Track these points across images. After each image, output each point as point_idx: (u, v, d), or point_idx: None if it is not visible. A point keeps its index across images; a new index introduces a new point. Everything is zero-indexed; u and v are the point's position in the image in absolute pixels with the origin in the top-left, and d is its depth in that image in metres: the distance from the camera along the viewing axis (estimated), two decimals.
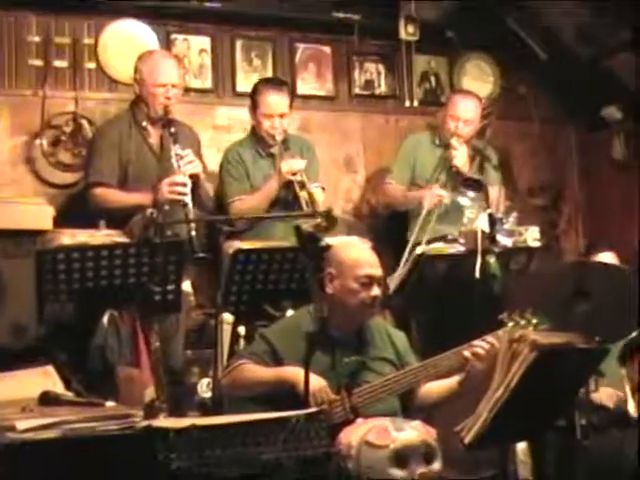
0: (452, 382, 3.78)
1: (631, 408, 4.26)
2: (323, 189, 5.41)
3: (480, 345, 3.66)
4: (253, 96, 5.30)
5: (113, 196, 4.86)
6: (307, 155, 5.34)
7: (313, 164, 5.37)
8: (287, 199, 5.10)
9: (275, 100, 5.21)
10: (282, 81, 5.49)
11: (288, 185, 5.06)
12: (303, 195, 4.98)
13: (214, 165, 5.44)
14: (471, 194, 5.22)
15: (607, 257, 5.09)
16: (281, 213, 5.03)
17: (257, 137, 5.31)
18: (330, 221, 4.29)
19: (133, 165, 4.92)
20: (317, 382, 3.57)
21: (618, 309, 4.04)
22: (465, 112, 5.65)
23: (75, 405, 3.19)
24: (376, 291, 3.78)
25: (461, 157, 5.47)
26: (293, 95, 5.41)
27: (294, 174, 5.03)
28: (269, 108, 5.20)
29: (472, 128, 5.66)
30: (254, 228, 5.10)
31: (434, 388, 3.84)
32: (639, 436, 3.97)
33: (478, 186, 5.13)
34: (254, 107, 5.27)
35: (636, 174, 6.47)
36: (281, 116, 5.21)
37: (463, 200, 5.27)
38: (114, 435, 2.79)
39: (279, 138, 5.19)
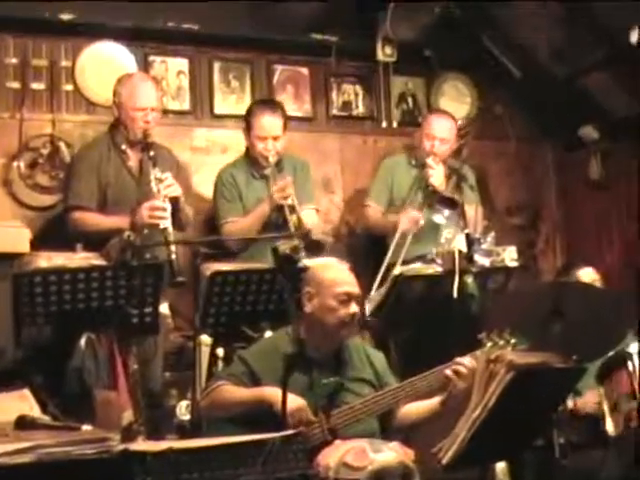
0: (433, 402, 3.79)
1: (609, 427, 4.27)
2: (317, 210, 5.41)
3: (462, 363, 3.66)
4: (247, 118, 5.30)
5: (92, 219, 4.85)
6: (301, 175, 5.35)
7: (307, 184, 5.38)
8: (278, 222, 5.10)
9: (269, 122, 5.21)
10: (276, 103, 5.48)
11: (280, 208, 5.05)
12: (292, 219, 4.97)
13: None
14: (447, 212, 5.23)
15: (587, 273, 5.11)
16: (263, 235, 5.01)
17: (251, 158, 5.31)
18: (317, 247, 4.32)
19: (112, 188, 4.91)
20: (296, 402, 3.56)
21: (595, 328, 4.06)
22: (441, 131, 5.67)
23: (51, 429, 3.16)
24: (354, 308, 3.79)
25: (437, 176, 5.48)
26: (287, 117, 5.40)
27: (285, 198, 5.03)
28: (262, 130, 5.20)
29: (448, 147, 5.68)
30: (248, 250, 5.10)
31: (414, 409, 3.84)
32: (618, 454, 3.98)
33: (453, 204, 5.15)
34: (248, 129, 5.27)
35: (612, 194, 6.52)
36: (275, 138, 5.20)
37: (438, 218, 5.29)
38: (90, 459, 2.77)
39: (272, 160, 5.19)
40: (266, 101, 5.59)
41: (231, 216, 5.22)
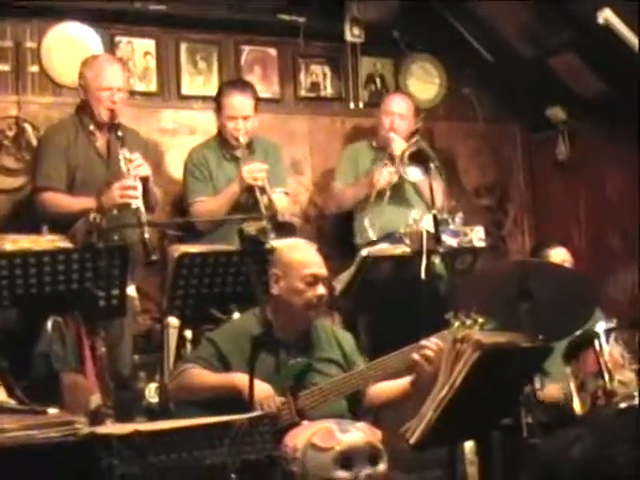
0: (404, 383, 3.79)
1: (576, 406, 4.30)
2: (287, 194, 5.38)
3: (429, 347, 3.67)
4: (217, 98, 5.29)
5: (61, 201, 4.81)
6: (273, 158, 5.33)
7: (278, 167, 5.35)
8: (248, 203, 5.07)
9: (239, 102, 5.19)
10: (246, 83, 5.45)
11: (250, 189, 5.03)
12: (263, 200, 4.96)
13: None
14: (416, 172, 5.24)
15: (559, 253, 5.13)
16: (232, 216, 4.99)
17: (222, 139, 5.28)
18: (288, 229, 4.31)
19: (81, 170, 4.87)
20: (264, 390, 3.56)
21: (562, 307, 4.08)
22: (399, 107, 5.72)
23: (17, 413, 3.16)
24: (321, 290, 3.80)
25: (399, 146, 5.47)
26: (258, 98, 5.37)
27: (255, 179, 5.01)
28: (233, 110, 5.18)
29: (407, 124, 5.70)
30: (217, 231, 5.06)
31: (384, 389, 3.85)
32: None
33: (424, 160, 5.15)
34: (218, 109, 5.26)
35: (580, 174, 6.55)
36: (245, 118, 5.18)
37: (414, 174, 5.29)
38: (56, 442, 2.76)
39: (243, 140, 5.16)
40: (236, 81, 5.57)
41: (200, 196, 5.19)
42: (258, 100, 5.34)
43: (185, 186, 5.29)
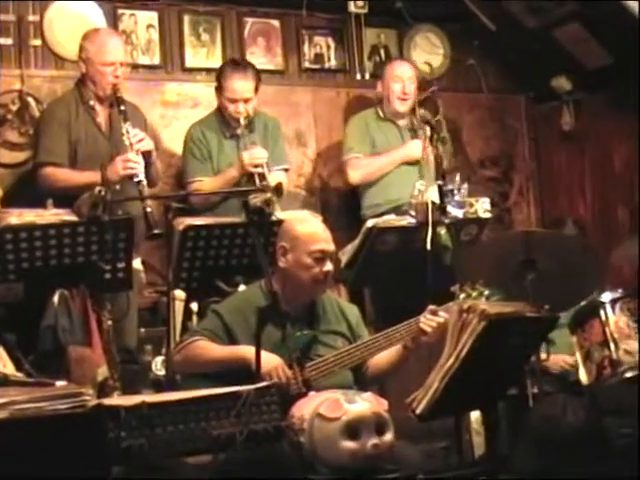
0: (398, 348, 3.80)
1: (582, 376, 4.31)
2: (287, 170, 5.34)
3: (436, 315, 3.68)
4: (219, 78, 5.24)
5: (63, 175, 4.80)
6: (272, 134, 5.30)
7: (278, 144, 5.32)
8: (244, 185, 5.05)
9: (240, 86, 5.14)
10: (248, 65, 5.34)
11: (249, 175, 5.00)
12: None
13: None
14: None
15: None
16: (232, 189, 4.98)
17: (222, 117, 5.24)
18: (277, 192, 4.28)
19: (82, 145, 4.86)
20: (272, 360, 3.57)
21: (568, 277, 4.09)
22: (406, 71, 5.73)
23: (25, 386, 3.17)
24: (329, 266, 3.78)
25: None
26: (259, 78, 5.31)
27: (256, 166, 4.98)
28: (234, 93, 5.14)
29: (415, 87, 5.71)
30: (212, 211, 5.03)
31: (383, 358, 3.85)
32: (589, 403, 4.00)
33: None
34: (220, 89, 5.22)
35: (585, 144, 6.54)
36: (245, 101, 5.15)
37: None
38: (64, 414, 2.77)
39: (244, 122, 5.12)
40: (238, 62, 5.44)
41: (200, 176, 5.15)
42: (259, 81, 5.27)
43: (184, 164, 5.27)
